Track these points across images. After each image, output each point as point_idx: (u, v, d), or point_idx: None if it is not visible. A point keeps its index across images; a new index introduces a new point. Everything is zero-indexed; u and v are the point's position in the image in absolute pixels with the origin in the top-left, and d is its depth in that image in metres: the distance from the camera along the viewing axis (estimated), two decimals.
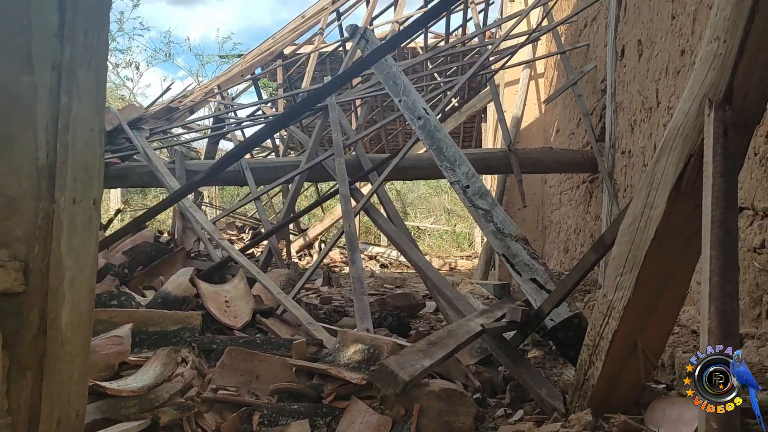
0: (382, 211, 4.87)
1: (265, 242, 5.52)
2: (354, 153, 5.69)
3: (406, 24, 9.60)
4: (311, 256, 13.78)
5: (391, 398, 1.64)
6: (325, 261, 14.13)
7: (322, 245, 14.91)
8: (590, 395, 2.14)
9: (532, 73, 8.71)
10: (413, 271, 15.01)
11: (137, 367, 2.41)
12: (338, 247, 16.11)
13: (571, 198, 6.81)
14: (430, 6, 10.28)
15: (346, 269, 13.26)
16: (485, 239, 17.00)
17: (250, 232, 13.17)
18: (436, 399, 2.13)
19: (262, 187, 5.64)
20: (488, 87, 5.77)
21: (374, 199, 4.83)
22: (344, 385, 2.17)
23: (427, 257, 16.56)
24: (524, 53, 7.50)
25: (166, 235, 5.61)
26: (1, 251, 1.26)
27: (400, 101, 4.76)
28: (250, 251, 5.74)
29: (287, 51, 10.49)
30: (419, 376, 1.72)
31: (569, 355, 3.05)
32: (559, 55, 6.62)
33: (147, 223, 6.37)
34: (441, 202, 27.45)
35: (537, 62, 8.07)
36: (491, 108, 12.11)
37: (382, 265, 14.88)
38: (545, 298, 3.01)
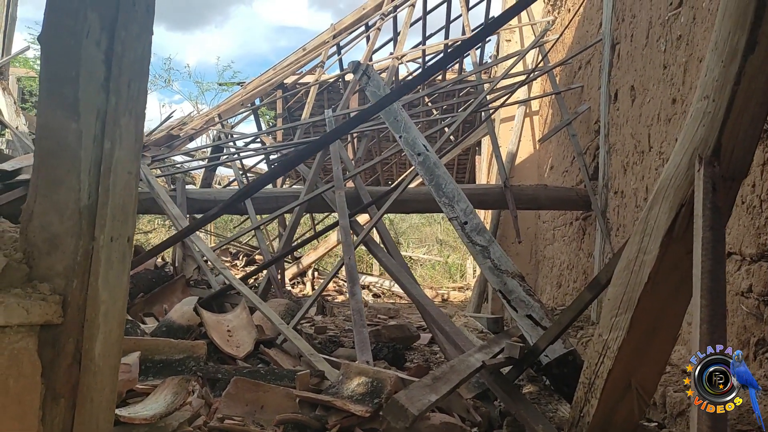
0: (380, 243, 4.98)
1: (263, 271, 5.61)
2: (353, 185, 5.81)
3: (404, 58, 9.82)
4: (304, 284, 13.83)
5: (402, 428, 1.72)
6: (317, 289, 14.12)
7: (315, 273, 14.97)
8: None
9: (527, 111, 8.92)
10: (406, 301, 15.08)
11: (145, 394, 2.48)
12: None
13: (564, 234, 6.94)
14: (438, 55, 10.53)
15: (339, 298, 13.31)
16: (478, 271, 17.09)
17: (244, 258, 13.22)
18: None
19: (262, 217, 5.75)
20: (483, 121, 5.91)
21: (372, 231, 4.94)
22: (348, 416, 2.25)
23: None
24: (520, 91, 7.69)
25: (161, 261, 5.69)
26: (43, 285, 1.36)
27: (400, 137, 4.90)
28: (246, 280, 5.81)
29: (288, 81, 10.68)
30: (426, 410, 1.81)
31: (563, 391, 3.13)
32: (554, 95, 6.81)
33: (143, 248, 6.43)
34: (433, 232, 27.62)
35: (532, 100, 8.26)
36: (486, 141, 12.33)
37: (375, 295, 14.94)
38: (541, 335, 3.10)
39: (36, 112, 1.67)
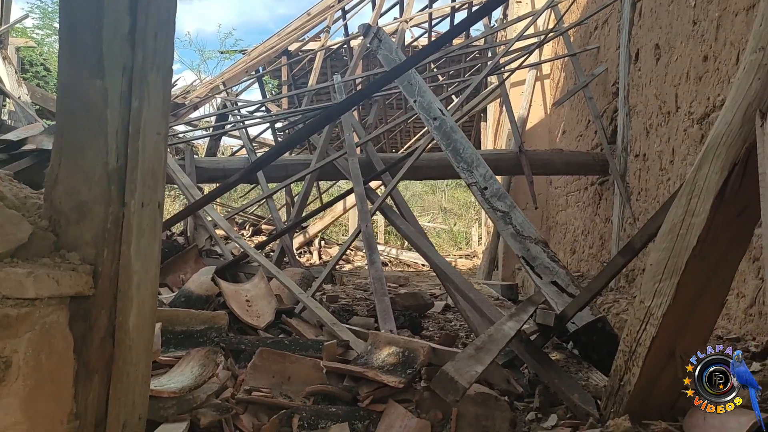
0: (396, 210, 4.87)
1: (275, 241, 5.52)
2: (364, 152, 5.69)
3: (411, 22, 9.60)
4: (311, 253, 13.79)
5: (453, 401, 1.64)
6: (324, 257, 14.14)
7: (322, 242, 14.93)
8: (626, 401, 2.15)
9: (538, 74, 8.73)
10: (413, 269, 15.01)
11: (168, 366, 2.41)
12: (337, 244, 16.13)
13: (578, 200, 6.83)
14: (446, 18, 10.28)
15: (347, 267, 13.28)
16: (484, 238, 17.04)
17: (251, 228, 13.16)
18: (473, 403, 2.13)
19: (274, 185, 5.64)
20: (497, 86, 5.77)
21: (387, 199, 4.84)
22: (380, 387, 2.17)
23: None
24: (532, 55, 7.50)
25: (170, 231, 5.60)
26: (72, 255, 1.26)
27: (415, 101, 4.76)
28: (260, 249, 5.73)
29: (292, 48, 10.48)
30: (474, 381, 1.73)
31: (592, 359, 3.06)
32: (568, 57, 6.63)
33: None
34: (437, 200, 27.53)
35: (545, 63, 8.07)
36: (492, 107, 12.14)
37: (382, 263, 14.89)
38: (570, 302, 3.02)
39: (57, 71, 1.56)
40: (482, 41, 8.25)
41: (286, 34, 10.29)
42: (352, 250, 15.93)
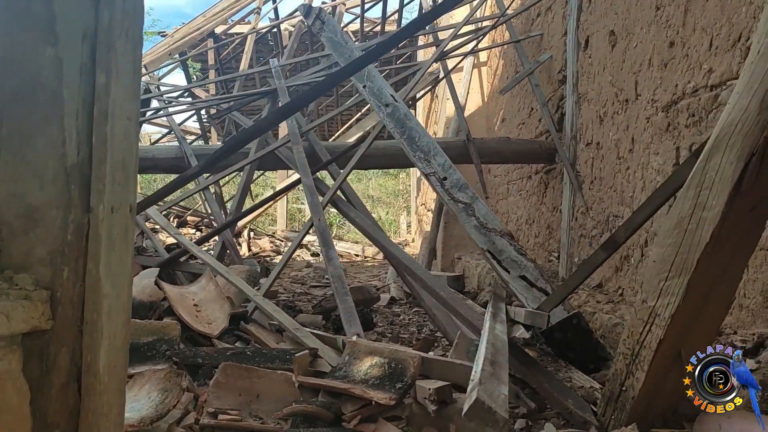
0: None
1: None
2: (307, 141, 5.39)
3: (348, 3, 9.30)
4: (240, 245, 13.33)
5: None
6: (254, 249, 13.71)
7: (251, 234, 14.46)
8: (630, 407, 2.01)
9: (475, 62, 8.64)
10: (347, 260, 14.76)
11: None
12: (267, 235, 15.68)
13: (520, 188, 6.78)
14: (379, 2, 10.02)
15: (277, 258, 12.87)
16: (413, 227, 16.95)
17: (176, 220, 12.56)
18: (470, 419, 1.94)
19: (209, 176, 5.25)
20: (417, 76, 5.61)
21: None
22: (366, 405, 1.94)
23: (359, 246, 16.23)
24: (474, 42, 7.39)
25: None
26: (21, 277, 0.97)
27: (364, 87, 4.52)
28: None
29: (219, 30, 9.97)
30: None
31: (568, 357, 2.93)
32: (506, 45, 6.54)
33: None
34: (364, 189, 27.35)
35: (490, 49, 7.97)
36: (424, 100, 12.01)
37: (313, 254, 14.58)
38: (546, 298, 2.88)
39: None
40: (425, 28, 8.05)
41: (212, 15, 9.77)
42: (281, 241, 15.54)
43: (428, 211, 13.93)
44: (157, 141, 11.43)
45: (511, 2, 6.64)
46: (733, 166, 1.79)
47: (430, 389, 1.80)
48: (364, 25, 10.78)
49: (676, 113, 3.24)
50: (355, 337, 2.52)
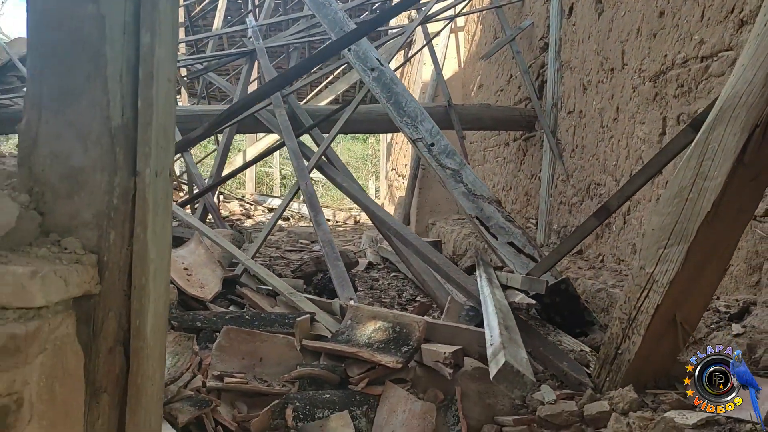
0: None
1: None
2: (287, 105, 5.32)
3: None
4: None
5: (519, 396, 1.46)
6: (223, 212, 13.57)
7: (221, 197, 14.29)
8: (625, 370, 2.09)
9: (452, 27, 8.58)
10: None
11: None
12: (236, 198, 15.52)
13: (497, 155, 6.83)
14: None
15: (248, 222, 12.76)
16: (383, 192, 16.92)
17: None
18: (472, 380, 1.99)
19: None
20: (429, 41, 5.57)
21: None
22: (373, 368, 1.97)
23: (329, 210, 16.17)
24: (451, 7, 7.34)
25: None
26: (70, 240, 0.95)
27: (349, 50, 4.45)
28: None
29: None
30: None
31: (555, 321, 3.00)
32: (488, 10, 6.51)
33: None
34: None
35: (471, 14, 7.90)
36: (394, 61, 11.90)
37: (284, 218, 14.51)
38: (537, 264, 2.93)
39: None
40: None
41: None
42: (250, 204, 15.41)
43: (399, 176, 13.95)
44: None
45: None
46: (737, 138, 1.83)
47: (446, 353, 1.83)
48: None
49: (664, 83, 3.28)
50: (351, 302, 2.53)
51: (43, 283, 0.79)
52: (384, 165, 18.37)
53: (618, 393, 1.99)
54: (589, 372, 2.29)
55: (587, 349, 2.59)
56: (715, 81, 2.86)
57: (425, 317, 2.21)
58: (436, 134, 3.87)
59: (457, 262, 5.59)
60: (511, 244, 3.31)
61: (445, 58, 8.53)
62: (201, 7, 9.96)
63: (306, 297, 2.76)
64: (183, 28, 9.95)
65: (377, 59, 4.33)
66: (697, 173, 1.94)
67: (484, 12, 7.28)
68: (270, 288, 3.01)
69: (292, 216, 15.40)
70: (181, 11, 9.78)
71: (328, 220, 14.74)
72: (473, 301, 2.74)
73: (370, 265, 6.33)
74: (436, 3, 5.66)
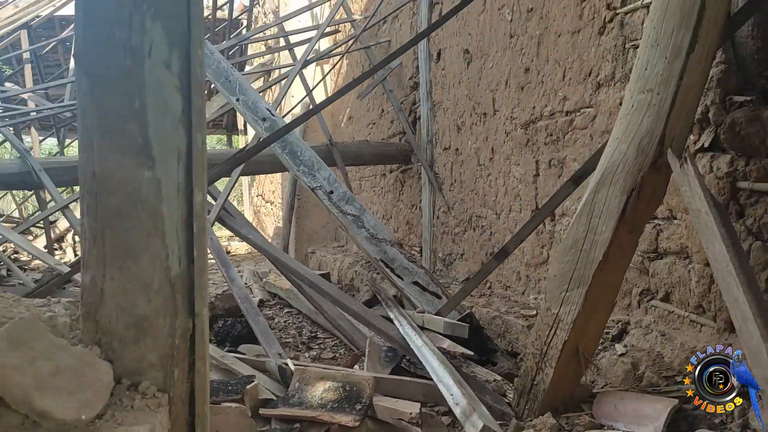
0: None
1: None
2: None
3: None
4: (63, 250, 12.43)
5: None
6: (79, 253, 12.83)
7: (76, 237, 13.48)
8: (542, 398, 2.43)
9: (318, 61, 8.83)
10: None
11: None
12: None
13: (374, 185, 7.16)
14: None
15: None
16: (248, 217, 16.78)
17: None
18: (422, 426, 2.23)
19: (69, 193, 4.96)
20: (286, 82, 5.78)
21: None
22: (328, 429, 2.15)
23: None
24: (322, 43, 7.61)
25: None
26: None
27: (237, 100, 4.57)
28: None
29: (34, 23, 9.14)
30: None
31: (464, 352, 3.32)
32: (358, 50, 6.85)
33: None
34: None
35: (347, 53, 8.19)
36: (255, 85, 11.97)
37: None
38: (446, 303, 3.24)
39: (81, 158, 1.23)
40: (275, 29, 8.07)
41: (25, 6, 8.94)
42: None
43: (267, 202, 13.97)
44: None
45: (356, 23, 6.92)
46: (618, 199, 2.24)
47: (411, 413, 2.05)
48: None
49: (534, 131, 3.74)
50: (289, 361, 2.68)
51: None
52: (247, 190, 18.20)
53: (540, 420, 2.31)
54: (508, 401, 2.62)
55: (499, 378, 2.92)
56: (579, 133, 3.33)
57: (375, 374, 2.42)
58: (333, 181, 4.09)
59: (346, 292, 5.82)
60: (416, 283, 3.61)
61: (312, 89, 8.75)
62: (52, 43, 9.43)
63: (236, 357, 2.86)
64: (28, 65, 9.38)
65: (267, 109, 4.47)
66: (588, 228, 2.33)
67: (350, 46, 7.61)
68: None
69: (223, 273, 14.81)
70: (25, 40, 9.23)
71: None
72: (393, 344, 2.99)
73: (261, 303, 6.38)
74: (318, 38, 5.89)
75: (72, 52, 8.03)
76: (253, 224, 15.89)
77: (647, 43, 2.25)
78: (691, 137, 2.50)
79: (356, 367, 2.94)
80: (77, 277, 3.82)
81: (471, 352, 2.63)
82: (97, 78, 1.09)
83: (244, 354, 3.43)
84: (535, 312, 3.54)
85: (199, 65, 1.12)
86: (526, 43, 3.81)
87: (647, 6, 2.73)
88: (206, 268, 1.13)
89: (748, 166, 2.33)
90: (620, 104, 2.59)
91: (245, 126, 14.83)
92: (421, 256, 5.64)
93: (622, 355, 2.77)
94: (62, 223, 12.37)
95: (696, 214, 1.93)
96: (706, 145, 2.48)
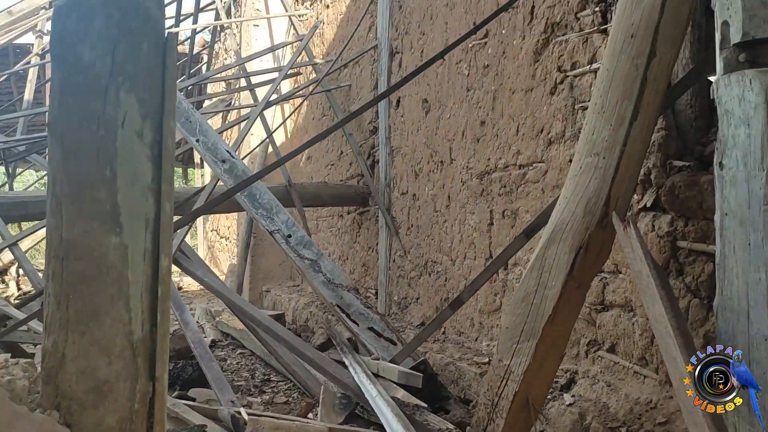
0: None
1: None
2: None
3: None
4: (6, 283, 12.04)
5: None
6: (23, 288, 12.44)
7: (20, 270, 13.08)
8: None
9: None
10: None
11: None
12: (40, 271, 14.24)
13: (331, 225, 7.21)
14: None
15: None
16: (202, 252, 16.54)
17: None
18: None
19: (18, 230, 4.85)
20: (247, 124, 5.85)
21: None
22: None
23: None
24: (283, 84, 7.70)
25: None
26: None
27: (197, 141, 4.59)
28: None
29: None
30: None
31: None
32: (319, 93, 6.95)
33: None
34: None
35: (309, 96, 8.30)
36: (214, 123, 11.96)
37: None
38: (400, 350, 3.28)
39: (50, 222, 1.24)
40: (233, 71, 8.14)
41: None
42: None
43: (222, 237, 13.83)
44: None
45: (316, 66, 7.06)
46: (567, 255, 2.34)
47: None
48: None
49: (489, 182, 3.86)
50: (241, 409, 2.67)
51: None
52: (201, 224, 17.99)
53: None
54: None
55: (452, 426, 2.96)
56: (531, 186, 3.47)
57: (333, 425, 2.44)
58: (292, 225, 4.12)
59: (300, 334, 5.79)
60: (371, 329, 3.65)
61: (272, 128, 8.81)
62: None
63: (187, 405, 2.83)
64: None
65: (227, 151, 4.50)
66: (538, 282, 2.42)
67: (311, 88, 7.72)
68: None
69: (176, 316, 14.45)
70: None
71: None
72: (348, 392, 3.01)
73: (214, 343, 6.29)
74: (281, 79, 5.96)
75: (46, 121, 7.91)
76: (207, 260, 15.67)
77: (594, 109, 2.38)
78: (636, 197, 2.64)
79: (310, 415, 2.94)
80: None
81: (425, 405, 2.67)
82: (70, 146, 1.12)
83: (195, 399, 3.40)
84: (487, 359, 3.61)
85: (171, 135, 1.17)
86: (482, 97, 3.96)
87: (595, 71, 2.90)
88: (168, 331, 1.15)
89: (686, 227, 2.47)
90: (570, 161, 2.73)
91: (201, 160, 14.74)
92: (377, 299, 5.68)
93: (570, 405, 2.85)
94: (6, 255, 11.99)
95: (638, 275, 2.04)
96: (648, 205, 2.62)
